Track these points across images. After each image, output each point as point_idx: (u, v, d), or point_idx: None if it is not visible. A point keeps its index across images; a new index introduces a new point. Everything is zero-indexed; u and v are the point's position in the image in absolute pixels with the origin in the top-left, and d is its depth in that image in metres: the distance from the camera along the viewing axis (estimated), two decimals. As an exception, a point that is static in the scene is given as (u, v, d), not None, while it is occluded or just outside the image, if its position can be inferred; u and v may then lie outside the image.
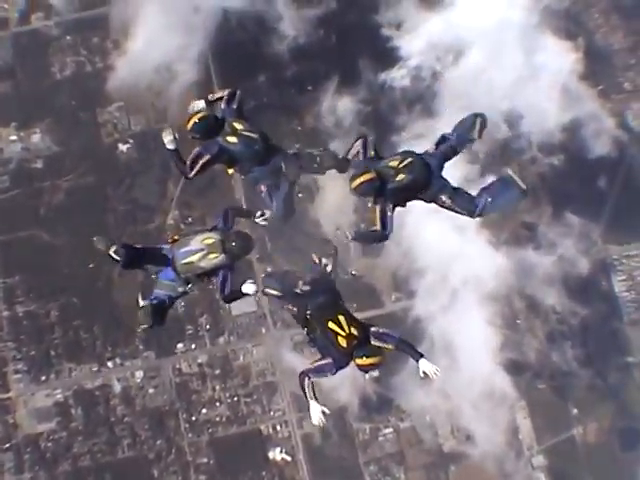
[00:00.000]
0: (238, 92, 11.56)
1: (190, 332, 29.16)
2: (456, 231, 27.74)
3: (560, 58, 30.23)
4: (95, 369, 29.14)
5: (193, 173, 11.12)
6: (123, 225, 29.96)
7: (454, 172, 29.50)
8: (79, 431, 28.76)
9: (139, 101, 30.96)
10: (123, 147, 30.87)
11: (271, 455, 28.76)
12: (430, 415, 29.39)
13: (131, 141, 30.98)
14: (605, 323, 30.60)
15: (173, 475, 28.60)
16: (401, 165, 10.42)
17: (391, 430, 29.50)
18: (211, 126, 11.04)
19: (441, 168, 10.95)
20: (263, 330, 29.41)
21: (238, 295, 10.96)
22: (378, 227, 10.39)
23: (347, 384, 27.68)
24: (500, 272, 29.14)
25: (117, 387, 29.06)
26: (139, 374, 29.06)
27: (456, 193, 10.89)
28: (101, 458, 28.59)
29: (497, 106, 29.35)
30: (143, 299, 10.91)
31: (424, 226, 27.00)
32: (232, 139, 10.78)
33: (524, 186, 10.58)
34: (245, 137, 10.71)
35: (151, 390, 29.04)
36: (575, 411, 30.44)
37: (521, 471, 29.72)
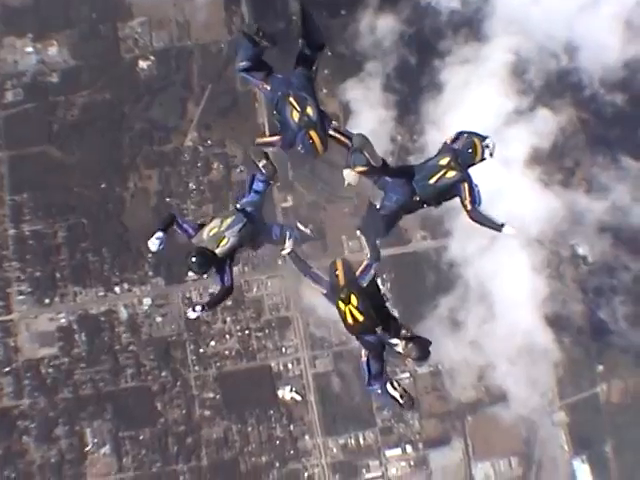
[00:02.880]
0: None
1: (202, 260, 25.77)
2: (502, 164, 24.27)
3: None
4: (101, 294, 26.48)
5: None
6: (139, 144, 27.29)
7: (506, 102, 26.27)
8: (82, 358, 26.11)
9: (163, 16, 28.04)
10: (143, 64, 27.94)
11: (280, 393, 26.34)
12: (450, 363, 26.34)
13: (152, 58, 28.02)
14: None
15: (177, 409, 26.05)
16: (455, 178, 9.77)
17: (407, 375, 26.76)
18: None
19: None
20: (279, 262, 26.43)
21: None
22: None
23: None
24: (548, 214, 25.83)
25: (123, 314, 26.39)
26: (147, 301, 26.42)
27: None
28: (103, 387, 26.00)
29: (555, 35, 26.22)
30: None
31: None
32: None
33: None
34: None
35: (159, 319, 26.36)
36: (601, 368, 27.54)
37: (541, 427, 26.78)
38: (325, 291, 9.60)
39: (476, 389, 26.64)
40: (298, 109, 9.55)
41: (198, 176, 26.81)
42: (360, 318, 9.09)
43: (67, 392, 25.77)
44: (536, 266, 26.29)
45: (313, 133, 9.49)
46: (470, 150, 9.77)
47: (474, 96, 25.84)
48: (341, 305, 9.11)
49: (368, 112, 25.55)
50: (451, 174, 9.72)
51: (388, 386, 9.25)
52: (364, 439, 26.42)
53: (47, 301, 26.20)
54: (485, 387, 26.62)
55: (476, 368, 26.38)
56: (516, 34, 25.86)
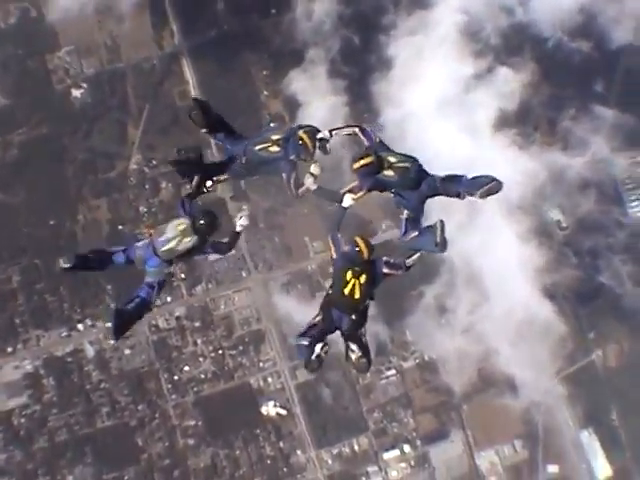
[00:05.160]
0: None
1: (163, 283, 24.30)
2: (468, 133, 22.92)
3: None
4: (65, 334, 24.93)
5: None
6: (83, 175, 25.99)
7: (463, 67, 24.81)
8: (53, 403, 24.54)
9: (90, 41, 26.84)
10: (77, 92, 26.63)
11: (264, 410, 24.75)
12: (438, 352, 25.01)
13: (85, 85, 26.71)
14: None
15: (159, 442, 24.46)
16: (396, 164, 9.72)
17: (394, 372, 25.36)
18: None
19: (425, 196, 9.97)
20: (244, 274, 25.27)
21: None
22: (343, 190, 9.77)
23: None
24: (526, 178, 24.50)
25: (90, 351, 24.82)
26: (113, 335, 24.36)
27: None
28: (79, 430, 24.37)
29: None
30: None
31: (428, 130, 22.20)
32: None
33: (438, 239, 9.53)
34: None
35: (127, 351, 24.81)
36: (592, 334, 26.16)
37: (541, 405, 25.45)
38: (336, 256, 9.38)
39: (468, 376, 25.23)
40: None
41: (147, 198, 25.53)
42: (357, 296, 9.11)
43: (43, 441, 24.18)
44: (521, 235, 25.01)
45: None
46: None
47: (428, 66, 24.66)
48: (349, 275, 9.15)
49: (318, 101, 24.32)
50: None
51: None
52: (358, 445, 24.97)
53: (9, 349, 24.65)
54: (477, 372, 25.26)
55: (465, 354, 24.99)
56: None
